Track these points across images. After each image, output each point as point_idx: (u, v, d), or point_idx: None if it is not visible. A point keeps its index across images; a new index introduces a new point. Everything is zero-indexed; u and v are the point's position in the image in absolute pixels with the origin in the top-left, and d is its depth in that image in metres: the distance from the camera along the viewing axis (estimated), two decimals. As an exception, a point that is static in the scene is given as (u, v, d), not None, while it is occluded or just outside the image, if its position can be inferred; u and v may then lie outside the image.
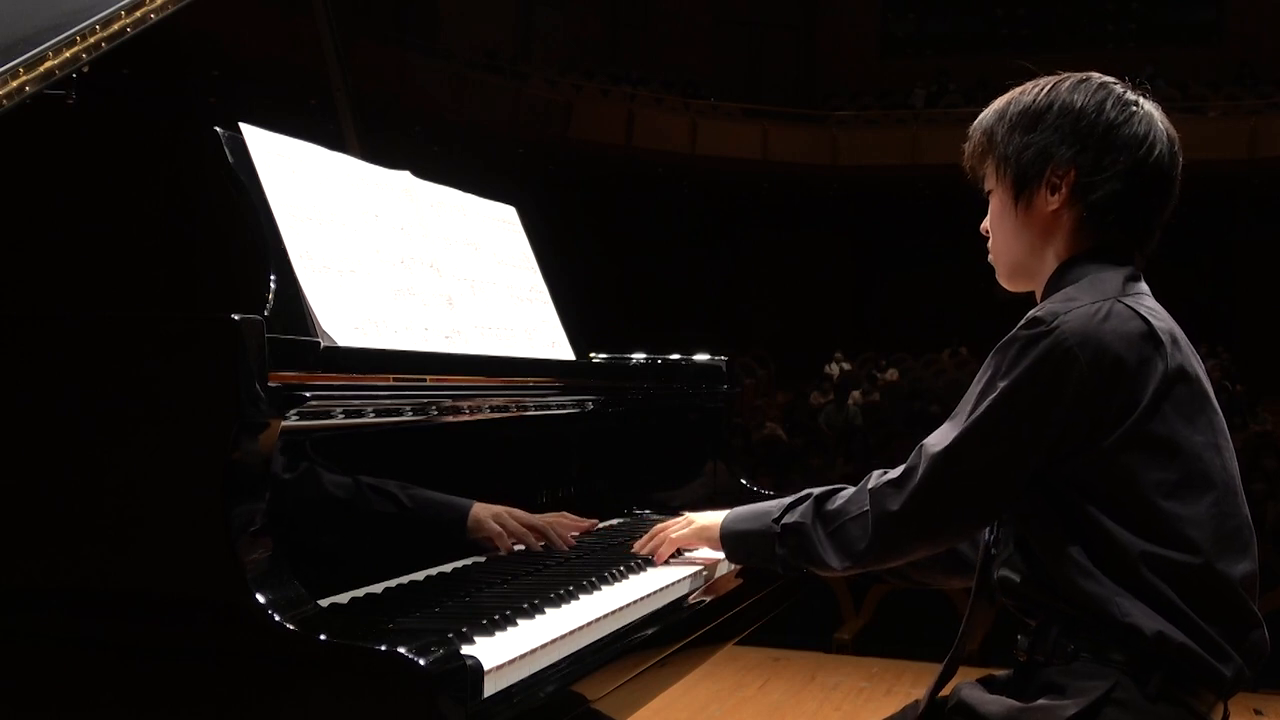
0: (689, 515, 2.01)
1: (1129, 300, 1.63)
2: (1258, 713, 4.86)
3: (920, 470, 1.67)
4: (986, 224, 1.85)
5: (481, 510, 1.89)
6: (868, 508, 1.71)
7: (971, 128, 1.84)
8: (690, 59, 20.30)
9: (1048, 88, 1.76)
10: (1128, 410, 1.58)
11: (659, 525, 2.03)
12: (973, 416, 1.64)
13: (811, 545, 1.77)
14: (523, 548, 1.97)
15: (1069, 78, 1.77)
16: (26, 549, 1.36)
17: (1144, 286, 1.72)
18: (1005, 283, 1.85)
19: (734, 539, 1.90)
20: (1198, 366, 1.68)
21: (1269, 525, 8.31)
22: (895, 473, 1.70)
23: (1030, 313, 1.64)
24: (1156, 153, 1.73)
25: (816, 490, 1.81)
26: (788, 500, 1.84)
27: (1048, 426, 1.59)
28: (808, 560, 1.79)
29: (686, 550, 2.03)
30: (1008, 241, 1.80)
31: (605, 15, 20.32)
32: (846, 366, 16.62)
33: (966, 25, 20.98)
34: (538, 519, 2.01)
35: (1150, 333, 1.61)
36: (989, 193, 1.82)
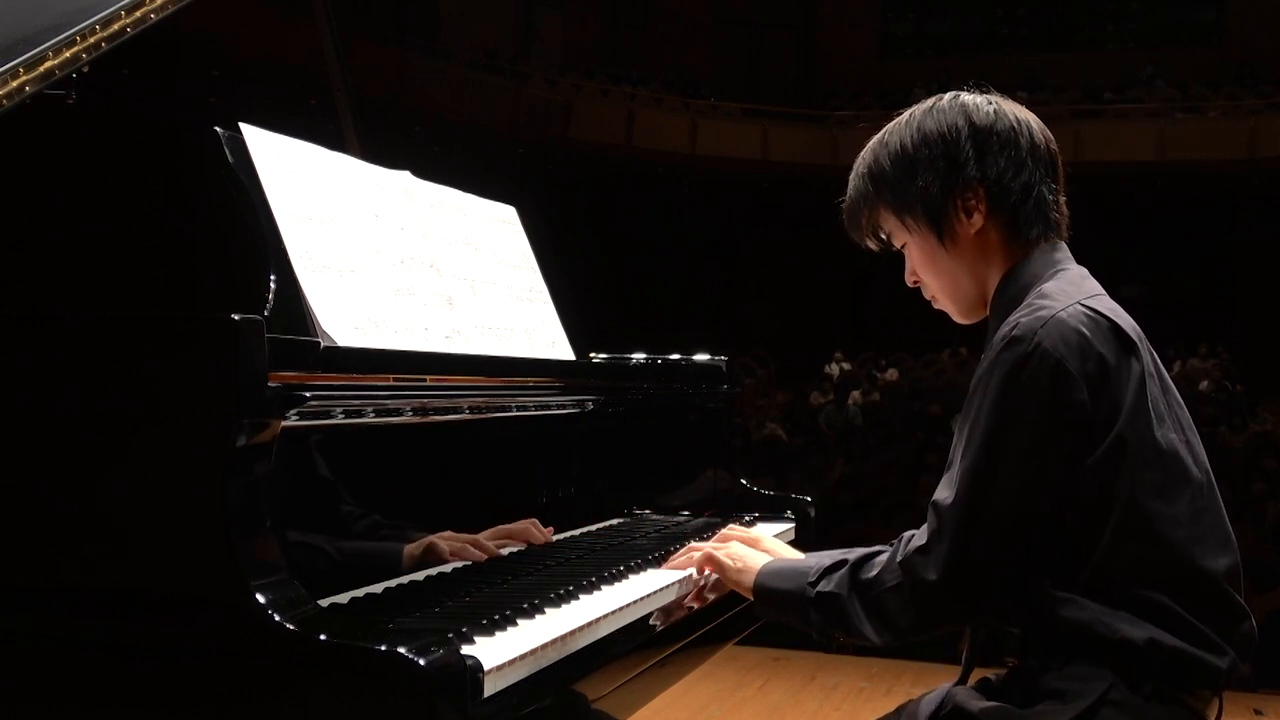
0: (733, 545, 1.90)
1: (1090, 302, 1.62)
2: (1258, 713, 4.86)
3: (945, 530, 1.59)
4: (911, 276, 1.84)
5: (413, 549, 1.76)
6: (902, 578, 1.62)
7: (846, 204, 1.83)
8: (690, 59, 20.31)
9: (908, 128, 1.76)
10: (1115, 412, 1.57)
11: (694, 545, 1.95)
12: (976, 457, 1.58)
13: (848, 616, 1.68)
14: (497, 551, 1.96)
15: (917, 110, 1.78)
16: (26, 549, 1.36)
17: (1096, 284, 1.72)
18: (963, 319, 1.83)
19: (767, 596, 1.80)
20: (1163, 368, 1.69)
21: (1269, 525, 8.32)
22: (920, 537, 1.62)
23: (1003, 331, 1.61)
24: (1034, 130, 1.76)
25: (852, 556, 1.71)
26: (826, 562, 1.74)
27: (1058, 446, 1.56)
28: (844, 630, 1.70)
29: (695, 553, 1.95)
30: (952, 281, 1.78)
31: (605, 15, 20.32)
32: (846, 366, 16.62)
33: (966, 25, 21.00)
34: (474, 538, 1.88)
35: (1118, 330, 1.60)
36: (901, 247, 1.82)
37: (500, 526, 1.94)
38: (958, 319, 1.84)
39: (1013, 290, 1.71)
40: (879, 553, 1.69)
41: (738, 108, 19.24)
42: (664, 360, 2.61)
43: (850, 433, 12.77)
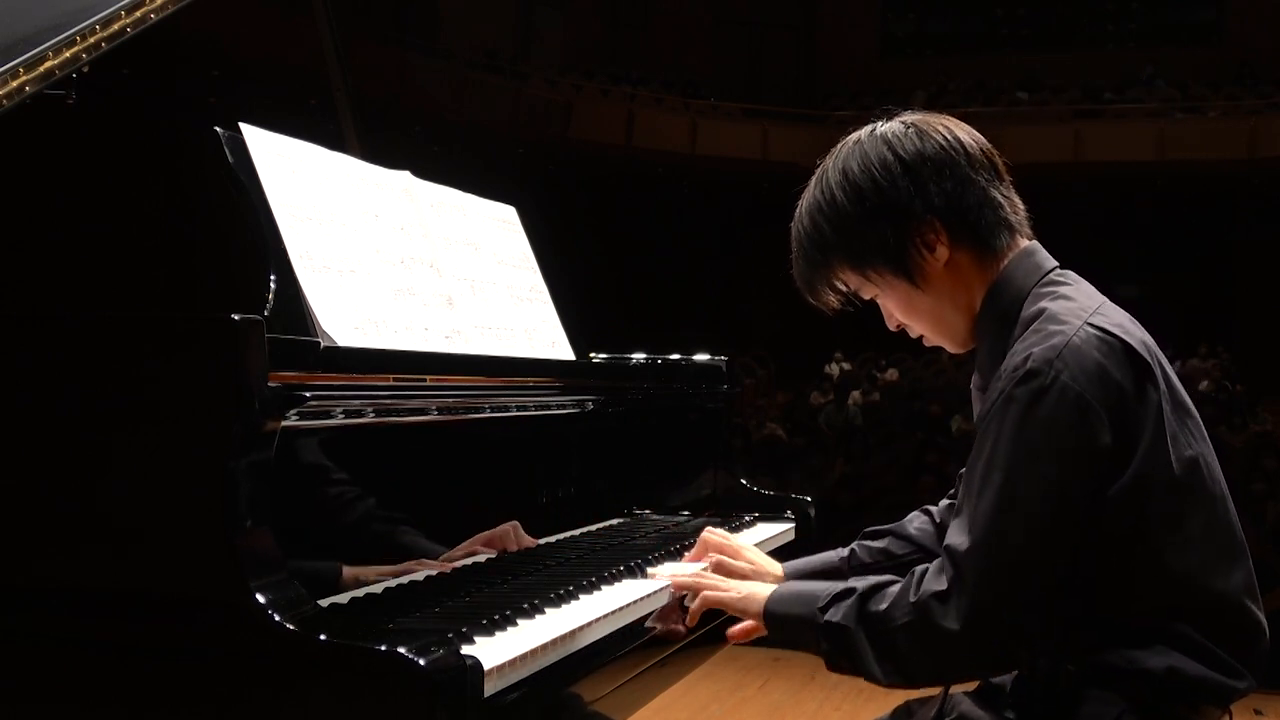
0: (728, 578, 1.82)
1: (1098, 320, 1.55)
2: (1258, 713, 4.85)
3: (965, 579, 1.49)
4: (892, 322, 1.77)
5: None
6: (915, 620, 1.52)
7: (797, 274, 1.76)
8: (690, 59, 20.30)
9: (833, 183, 1.68)
10: (1133, 444, 1.50)
11: (698, 574, 1.85)
12: (995, 500, 1.49)
13: (855, 651, 1.59)
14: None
15: (838, 158, 1.70)
16: (26, 549, 1.36)
17: (1093, 291, 1.65)
18: (959, 349, 1.75)
19: (778, 622, 1.71)
20: (1170, 371, 1.62)
21: (1269, 525, 8.32)
22: (938, 582, 1.52)
23: (1014, 362, 1.53)
24: (964, 140, 1.67)
25: (861, 585, 1.62)
26: (836, 589, 1.64)
27: (1082, 483, 1.49)
28: (853, 666, 1.61)
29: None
30: (936, 319, 1.71)
31: (605, 15, 20.32)
32: (846, 366, 16.61)
33: (966, 25, 20.99)
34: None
35: (1131, 352, 1.53)
36: (872, 298, 1.75)
37: (480, 535, 1.90)
38: (954, 350, 1.76)
39: (1003, 303, 1.64)
40: (890, 583, 1.60)
41: (738, 108, 19.23)
42: (664, 360, 2.61)
43: (850, 433, 12.77)
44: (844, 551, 2.04)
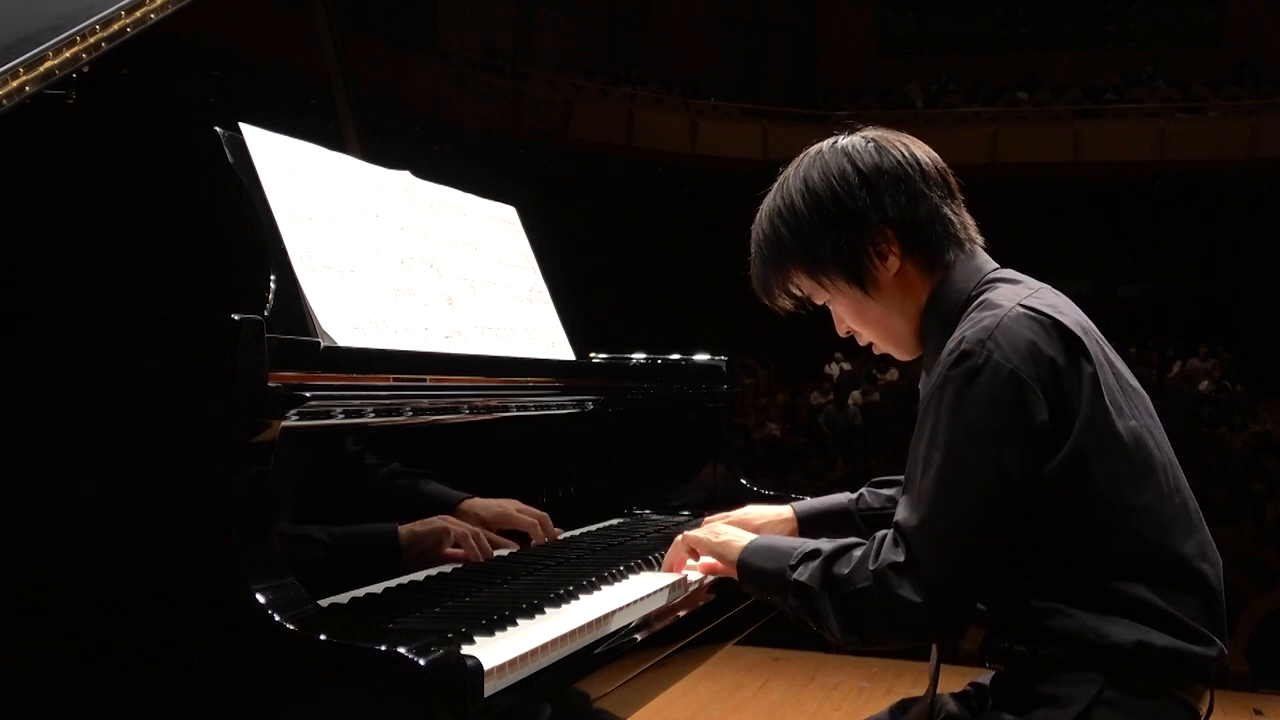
0: (717, 524, 1.92)
1: (1030, 301, 1.60)
2: (1258, 713, 4.86)
3: (917, 554, 1.55)
4: (842, 328, 1.83)
5: (417, 526, 1.78)
6: (872, 585, 1.57)
7: (754, 276, 1.82)
8: (690, 59, 20.31)
9: (796, 190, 1.74)
10: (1071, 414, 1.55)
11: (680, 537, 1.92)
12: (939, 477, 1.55)
13: (818, 610, 1.64)
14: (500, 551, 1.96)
15: (800, 166, 1.76)
16: (26, 549, 1.36)
17: (1032, 281, 1.71)
18: (907, 357, 1.81)
19: (750, 574, 1.77)
20: (1111, 351, 1.67)
21: (1269, 525, 8.32)
22: (895, 553, 1.57)
23: (949, 346, 1.59)
24: (920, 156, 1.73)
25: (827, 547, 1.66)
26: (807, 548, 1.69)
27: (1021, 455, 1.53)
28: (817, 624, 1.67)
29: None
30: (885, 326, 1.77)
31: (605, 15, 20.34)
32: (846, 366, 16.62)
33: (966, 25, 21.01)
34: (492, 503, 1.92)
35: (1063, 328, 1.58)
36: (824, 304, 1.81)
37: (513, 505, 1.96)
38: (902, 358, 1.83)
39: (945, 306, 1.70)
40: (855, 546, 1.65)
41: (738, 108, 19.25)
42: (664, 360, 2.61)
43: (850, 433, 12.79)
44: (853, 495, 2.12)
